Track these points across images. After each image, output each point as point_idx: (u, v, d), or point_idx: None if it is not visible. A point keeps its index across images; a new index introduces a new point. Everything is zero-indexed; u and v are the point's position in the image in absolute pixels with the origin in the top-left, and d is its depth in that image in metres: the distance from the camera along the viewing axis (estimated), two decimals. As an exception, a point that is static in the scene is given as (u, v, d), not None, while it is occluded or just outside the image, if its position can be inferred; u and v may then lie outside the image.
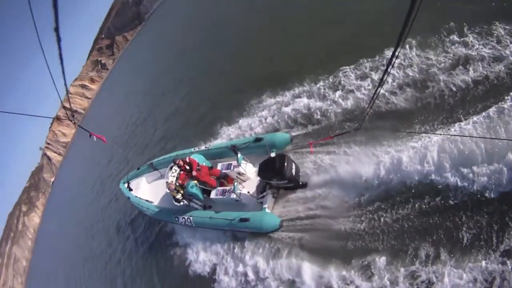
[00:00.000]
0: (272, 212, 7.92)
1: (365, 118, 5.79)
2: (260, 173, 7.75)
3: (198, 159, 9.49)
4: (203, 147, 10.47)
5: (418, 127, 6.94)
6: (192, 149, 10.61)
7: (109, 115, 44.43)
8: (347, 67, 9.65)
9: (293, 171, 7.47)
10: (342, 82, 9.39)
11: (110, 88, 67.34)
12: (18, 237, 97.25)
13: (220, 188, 8.83)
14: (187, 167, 9.07)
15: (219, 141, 11.55)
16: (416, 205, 6.03)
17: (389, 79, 8.07)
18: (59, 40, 2.57)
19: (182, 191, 9.01)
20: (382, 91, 7.66)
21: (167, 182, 9.07)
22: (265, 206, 7.93)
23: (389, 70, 3.67)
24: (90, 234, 22.76)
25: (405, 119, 7.35)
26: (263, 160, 7.80)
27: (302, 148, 8.69)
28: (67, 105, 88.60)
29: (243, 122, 11.65)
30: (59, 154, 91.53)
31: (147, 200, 11.23)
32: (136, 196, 11.67)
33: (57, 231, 43.14)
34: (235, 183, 8.34)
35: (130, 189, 12.18)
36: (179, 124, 18.62)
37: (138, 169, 12.67)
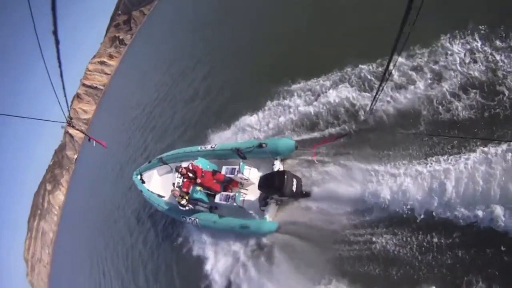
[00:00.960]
0: (274, 218, 8.18)
1: (371, 110, 5.83)
2: (260, 188, 7.80)
3: (202, 164, 9.57)
4: (209, 147, 10.41)
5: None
6: (199, 148, 10.65)
7: (129, 90, 43.76)
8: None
9: (294, 187, 7.36)
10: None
11: (129, 63, 66.53)
12: (45, 214, 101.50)
13: (224, 193, 8.81)
14: (190, 175, 9.12)
15: (226, 141, 11.29)
16: (416, 237, 5.75)
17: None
18: (57, 43, 2.59)
19: (186, 197, 9.22)
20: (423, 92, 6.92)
21: (172, 190, 9.41)
22: (267, 215, 8.11)
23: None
24: (112, 215, 23.38)
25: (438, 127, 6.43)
26: (264, 174, 7.88)
27: (307, 155, 8.44)
28: (86, 82, 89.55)
29: (263, 114, 10.74)
30: (81, 131, 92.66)
31: (159, 195, 11.53)
32: (148, 190, 11.92)
33: (81, 206, 45.24)
34: (237, 193, 8.46)
35: (143, 182, 12.46)
36: (199, 110, 17.09)
37: (149, 162, 12.74)
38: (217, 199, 8.83)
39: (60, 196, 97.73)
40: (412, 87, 7.07)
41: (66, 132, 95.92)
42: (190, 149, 11.10)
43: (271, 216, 8.16)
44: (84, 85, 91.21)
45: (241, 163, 8.69)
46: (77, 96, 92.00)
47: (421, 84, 6.95)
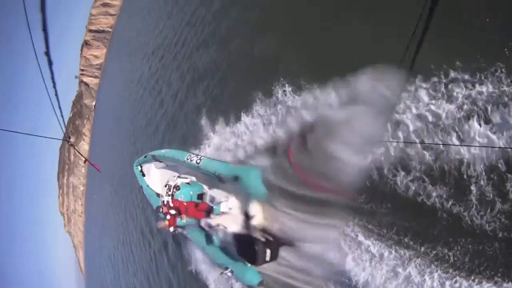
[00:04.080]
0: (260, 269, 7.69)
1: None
2: (235, 249, 7.72)
3: (184, 194, 9.33)
4: (194, 160, 9.61)
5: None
6: (186, 157, 9.98)
7: (137, 30, 40.91)
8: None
9: (267, 255, 7.03)
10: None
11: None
12: (72, 168, 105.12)
13: (208, 222, 8.31)
14: (173, 212, 8.99)
15: (212, 157, 10.17)
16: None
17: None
18: (50, 63, 2.67)
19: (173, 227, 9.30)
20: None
21: (158, 223, 9.70)
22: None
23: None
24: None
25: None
26: (236, 237, 7.65)
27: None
28: (92, 27, 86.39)
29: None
30: (95, 77, 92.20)
31: (158, 194, 11.23)
32: (148, 186, 11.89)
33: (106, 152, 46.06)
34: (215, 238, 8.37)
35: (143, 174, 12.32)
36: (212, 86, 13.73)
37: (145, 156, 12.44)
38: (202, 223, 8.58)
39: (84, 146, 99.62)
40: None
41: (81, 81, 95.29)
42: (178, 155, 10.57)
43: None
44: (90, 31, 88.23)
45: (215, 207, 8.37)
46: (86, 43, 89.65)
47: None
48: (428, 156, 4.97)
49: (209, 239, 8.74)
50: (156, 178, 12.15)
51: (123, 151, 31.46)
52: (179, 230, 9.59)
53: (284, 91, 8.17)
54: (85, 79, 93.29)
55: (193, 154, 10.20)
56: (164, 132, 17.07)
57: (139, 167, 12.42)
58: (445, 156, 4.77)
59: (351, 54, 6.83)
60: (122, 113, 36.91)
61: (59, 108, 3.96)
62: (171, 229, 9.19)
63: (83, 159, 6.48)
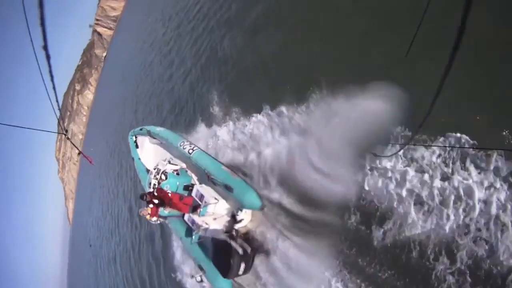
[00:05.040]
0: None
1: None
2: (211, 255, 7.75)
3: (171, 185, 9.06)
4: (187, 148, 9.42)
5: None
6: (179, 143, 9.72)
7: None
8: None
9: (241, 269, 7.10)
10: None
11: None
12: (74, 115, 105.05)
13: (192, 218, 8.17)
14: (156, 201, 8.63)
15: (206, 150, 9.67)
16: None
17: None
18: (48, 57, 2.39)
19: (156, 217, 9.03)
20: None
21: (140, 210, 9.02)
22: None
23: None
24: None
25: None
26: (214, 248, 7.61)
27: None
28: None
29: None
30: (110, 28, 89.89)
31: (148, 170, 10.63)
32: (139, 159, 11.46)
33: (109, 105, 46.43)
34: (194, 234, 8.06)
35: (137, 146, 11.88)
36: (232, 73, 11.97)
37: (141, 129, 11.91)
38: (185, 217, 8.38)
39: (89, 95, 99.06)
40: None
41: (94, 31, 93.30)
42: (172, 138, 10.26)
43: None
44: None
45: (202, 208, 7.89)
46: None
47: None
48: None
49: (188, 233, 8.53)
50: (149, 153, 11.75)
51: (124, 114, 30.50)
52: (161, 220, 9.14)
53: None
54: (99, 29, 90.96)
55: (187, 142, 9.80)
56: (169, 110, 15.44)
57: (134, 138, 12.00)
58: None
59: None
60: (130, 73, 35.56)
61: (57, 101, 3.68)
62: (153, 219, 8.86)
63: (78, 151, 6.80)
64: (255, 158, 8.33)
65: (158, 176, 9.18)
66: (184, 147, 9.60)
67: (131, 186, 20.12)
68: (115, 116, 36.72)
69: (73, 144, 6.10)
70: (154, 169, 9.44)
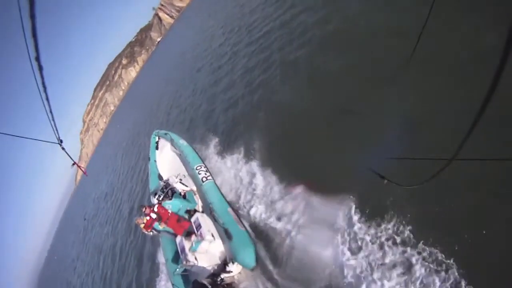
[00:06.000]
0: None
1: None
2: None
3: (174, 206, 8.92)
4: (202, 174, 9.27)
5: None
6: (196, 166, 9.65)
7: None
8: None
9: None
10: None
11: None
12: (112, 86, 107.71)
13: (183, 242, 7.90)
14: (154, 216, 8.76)
15: (219, 186, 9.19)
16: None
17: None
18: (40, 69, 2.47)
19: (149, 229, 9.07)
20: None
21: (135, 218, 9.29)
22: None
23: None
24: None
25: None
26: (197, 283, 7.10)
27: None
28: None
29: None
30: (171, 16, 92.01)
31: (159, 176, 10.93)
32: (155, 162, 11.49)
33: (147, 93, 46.29)
34: (179, 265, 7.72)
35: (157, 147, 11.90)
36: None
37: (166, 134, 12.00)
38: (177, 239, 8.27)
39: (132, 72, 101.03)
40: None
41: (156, 15, 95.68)
42: (191, 157, 10.19)
43: None
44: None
45: (194, 243, 7.57)
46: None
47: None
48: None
49: (175, 259, 8.38)
50: (166, 159, 11.67)
51: (157, 110, 29.85)
52: (154, 233, 9.25)
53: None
54: (161, 14, 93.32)
55: (204, 167, 9.64)
56: (202, 133, 13.50)
57: (157, 138, 12.01)
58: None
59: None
60: (176, 70, 35.12)
61: (51, 112, 3.58)
62: (148, 232, 9.02)
63: (72, 162, 6.33)
64: (280, 226, 7.18)
65: (165, 190, 9.03)
66: (200, 172, 9.39)
67: (139, 188, 19.15)
68: (149, 106, 36.40)
69: (68, 154, 5.93)
70: (164, 182, 9.41)
